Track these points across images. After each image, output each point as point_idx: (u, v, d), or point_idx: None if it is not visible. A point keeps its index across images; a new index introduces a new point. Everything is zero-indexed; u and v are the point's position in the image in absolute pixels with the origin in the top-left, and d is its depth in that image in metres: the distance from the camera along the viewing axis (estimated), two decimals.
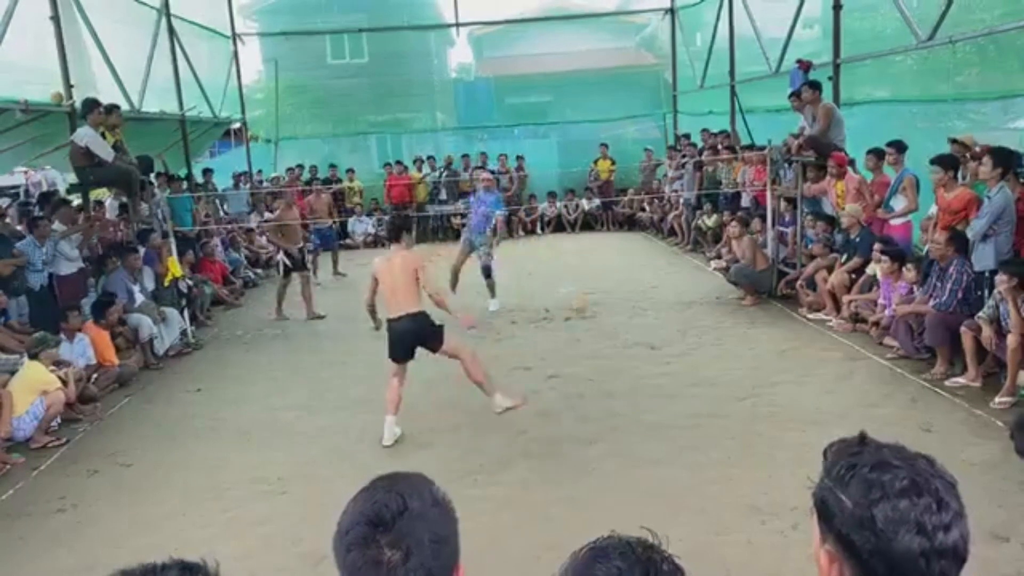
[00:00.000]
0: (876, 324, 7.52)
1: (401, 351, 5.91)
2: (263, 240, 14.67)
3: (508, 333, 8.80)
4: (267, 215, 12.75)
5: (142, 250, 9.28)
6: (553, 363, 7.55)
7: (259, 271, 13.41)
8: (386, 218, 16.15)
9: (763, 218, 10.00)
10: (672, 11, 17.58)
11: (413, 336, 5.87)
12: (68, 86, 8.78)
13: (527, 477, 5.14)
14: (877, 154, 8.44)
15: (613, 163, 17.04)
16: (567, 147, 18.00)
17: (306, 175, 16.25)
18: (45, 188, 13.79)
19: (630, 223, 16.53)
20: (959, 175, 7.10)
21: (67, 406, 6.59)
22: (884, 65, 9.88)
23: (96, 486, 5.45)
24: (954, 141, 7.38)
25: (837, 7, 10.07)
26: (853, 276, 8.25)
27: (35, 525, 4.90)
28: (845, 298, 8.10)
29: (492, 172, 11.84)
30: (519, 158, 16.80)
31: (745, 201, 11.64)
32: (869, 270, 8.02)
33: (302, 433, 6.19)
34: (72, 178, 9.71)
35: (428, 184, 16.96)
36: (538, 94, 19.64)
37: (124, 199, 10.17)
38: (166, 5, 12.59)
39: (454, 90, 20.48)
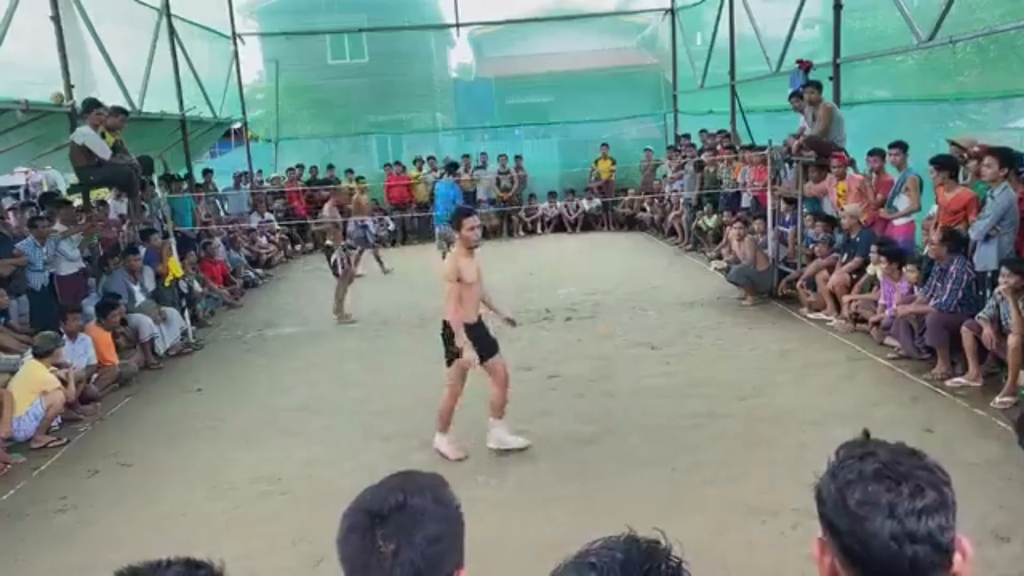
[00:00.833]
0: (877, 324, 7.52)
1: (493, 350, 5.48)
2: (263, 240, 14.71)
3: (509, 333, 8.77)
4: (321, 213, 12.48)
5: (143, 250, 9.29)
6: (554, 363, 7.55)
7: (259, 271, 13.42)
8: (386, 218, 16.21)
9: (763, 218, 10.00)
10: (672, 11, 17.58)
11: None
12: (68, 86, 8.78)
13: (527, 477, 5.14)
14: (879, 155, 8.44)
15: (613, 163, 17.04)
16: (567, 147, 18.01)
17: (306, 175, 16.27)
18: (46, 188, 13.80)
19: (630, 223, 16.53)
20: (959, 175, 7.10)
21: (68, 406, 6.60)
22: (885, 65, 9.88)
23: (97, 486, 5.45)
24: (952, 143, 7.38)
25: (838, 7, 10.07)
26: (854, 276, 8.25)
27: (36, 525, 4.90)
28: (845, 298, 8.10)
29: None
30: (517, 158, 16.79)
31: (745, 201, 11.65)
32: (870, 270, 8.01)
33: (302, 433, 6.19)
34: (73, 178, 9.71)
35: (429, 184, 16.94)
36: (538, 94, 19.66)
37: (126, 199, 10.18)
38: (166, 5, 12.60)
39: (454, 90, 20.52)
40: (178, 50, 12.96)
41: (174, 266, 9.21)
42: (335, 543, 1.26)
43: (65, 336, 7.08)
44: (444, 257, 11.33)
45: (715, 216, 12.65)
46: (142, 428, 6.58)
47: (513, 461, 5.38)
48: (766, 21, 12.85)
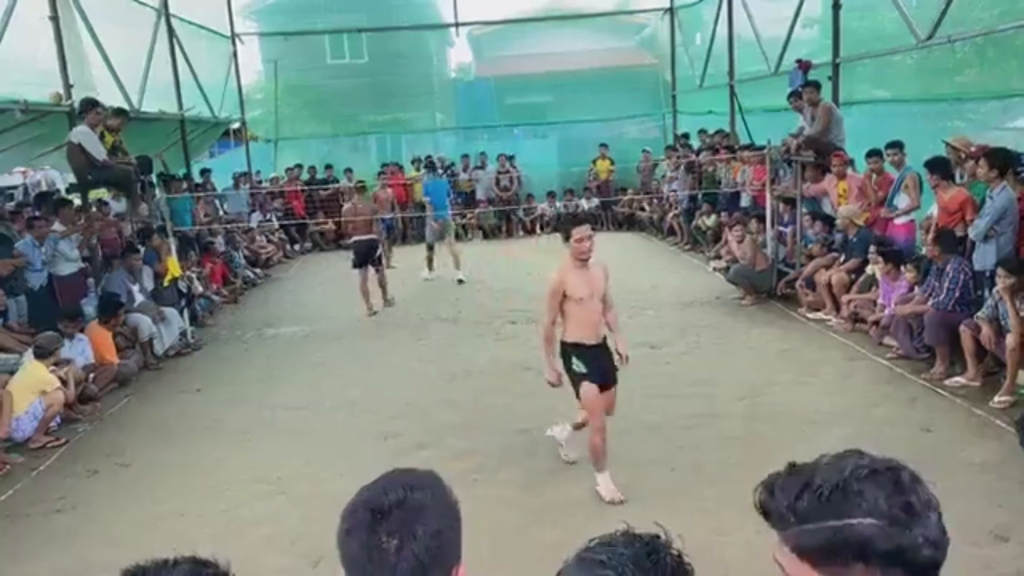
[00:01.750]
0: (876, 324, 7.52)
1: (607, 378, 4.76)
2: (262, 240, 14.71)
3: (508, 333, 8.79)
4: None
5: (142, 249, 9.28)
6: None
7: (258, 271, 13.41)
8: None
9: (762, 218, 10.00)
10: (671, 11, 17.57)
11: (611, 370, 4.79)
12: (67, 86, 8.76)
13: (527, 477, 5.14)
14: (877, 155, 8.41)
15: (612, 163, 17.04)
16: (566, 147, 17.99)
17: (304, 175, 16.25)
18: (44, 188, 13.78)
19: (629, 223, 16.53)
20: (957, 176, 7.11)
21: (66, 406, 6.59)
22: (883, 65, 9.88)
23: (95, 486, 5.44)
24: (948, 145, 7.38)
25: (837, 7, 10.07)
26: (852, 276, 8.26)
27: (34, 525, 4.90)
28: (844, 298, 8.10)
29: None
30: (510, 158, 16.74)
31: (744, 201, 11.65)
32: (868, 270, 8.02)
33: (301, 433, 6.19)
34: (72, 178, 9.70)
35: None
36: (537, 94, 19.63)
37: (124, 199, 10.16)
38: (165, 5, 12.57)
39: (453, 90, 20.48)
40: (177, 50, 12.94)
41: (173, 266, 9.20)
42: (336, 542, 1.26)
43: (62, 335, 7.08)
44: (430, 249, 12.00)
45: (714, 216, 12.65)
46: (141, 428, 6.57)
47: (512, 461, 5.38)
48: (765, 21, 12.85)
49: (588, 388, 4.66)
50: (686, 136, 15.49)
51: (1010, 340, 5.64)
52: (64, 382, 6.53)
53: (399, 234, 16.06)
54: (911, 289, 7.13)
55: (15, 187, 16.08)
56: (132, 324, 8.21)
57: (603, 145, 17.09)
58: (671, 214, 14.57)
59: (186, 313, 9.34)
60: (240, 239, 13.75)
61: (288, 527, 4.59)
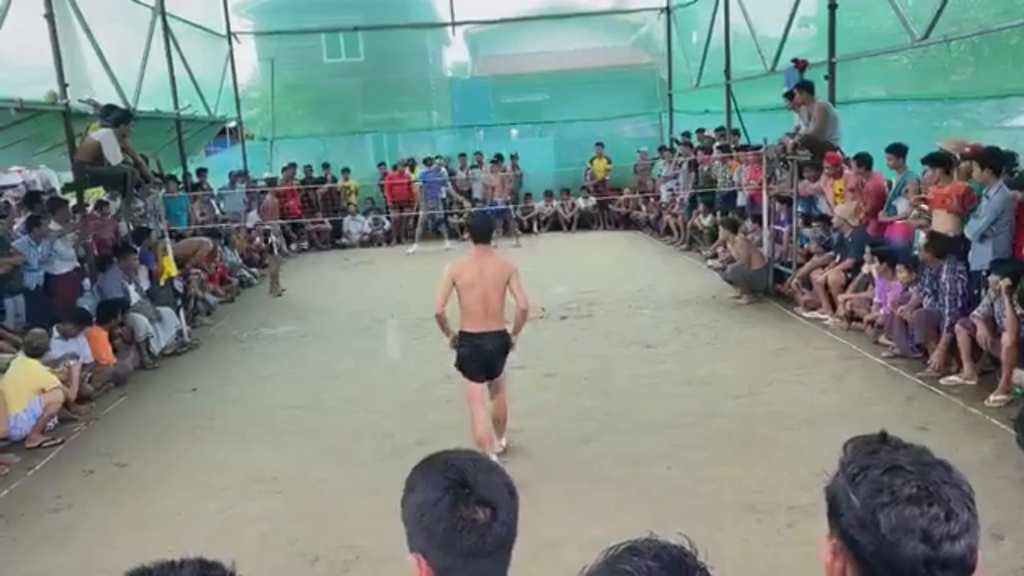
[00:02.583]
0: (872, 323, 7.54)
1: (484, 370, 5.15)
2: (259, 240, 14.68)
3: None
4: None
5: (138, 249, 9.26)
6: (549, 362, 7.55)
7: (255, 270, 13.38)
8: (382, 217, 16.19)
9: (758, 217, 10.01)
10: (668, 10, 17.57)
11: (496, 356, 5.13)
12: (62, 85, 8.73)
13: (524, 475, 5.11)
14: (866, 161, 8.21)
15: (609, 162, 17.04)
16: (563, 146, 17.99)
17: (300, 174, 16.22)
18: (39, 187, 13.72)
19: (626, 222, 16.54)
20: (952, 175, 7.10)
21: (64, 406, 6.56)
22: (879, 64, 9.89)
23: (92, 486, 5.43)
24: (941, 149, 7.35)
25: (832, 6, 10.07)
26: (848, 275, 8.27)
27: (30, 525, 4.89)
28: (841, 297, 8.12)
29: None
30: (505, 158, 16.72)
31: (741, 200, 11.66)
32: (865, 269, 8.03)
33: (298, 433, 6.18)
34: (67, 177, 9.67)
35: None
36: (534, 93, 19.64)
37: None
38: (161, 3, 12.54)
39: (450, 89, 20.48)
40: (173, 49, 12.91)
41: (169, 265, 9.18)
42: (405, 513, 1.32)
43: (59, 334, 7.05)
44: (421, 227, 12.77)
45: (710, 215, 12.66)
46: (137, 428, 6.56)
47: (508, 459, 5.37)
48: (761, 20, 12.86)
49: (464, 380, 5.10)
50: (687, 135, 15.49)
51: (1006, 339, 5.66)
52: (66, 381, 6.51)
53: (384, 237, 16.16)
54: (906, 289, 7.14)
55: (13, 186, 16.02)
56: (129, 324, 8.19)
57: (599, 144, 17.10)
58: (668, 213, 14.58)
59: (182, 312, 9.32)
60: (237, 238, 13.72)
61: (285, 526, 4.57)
